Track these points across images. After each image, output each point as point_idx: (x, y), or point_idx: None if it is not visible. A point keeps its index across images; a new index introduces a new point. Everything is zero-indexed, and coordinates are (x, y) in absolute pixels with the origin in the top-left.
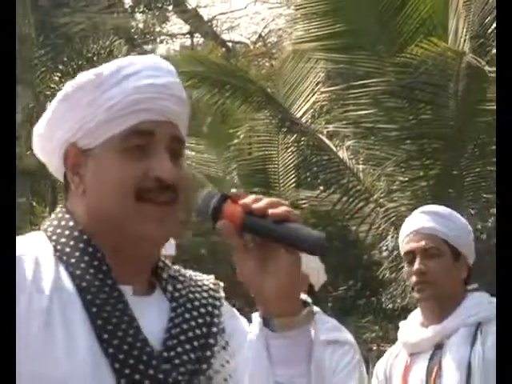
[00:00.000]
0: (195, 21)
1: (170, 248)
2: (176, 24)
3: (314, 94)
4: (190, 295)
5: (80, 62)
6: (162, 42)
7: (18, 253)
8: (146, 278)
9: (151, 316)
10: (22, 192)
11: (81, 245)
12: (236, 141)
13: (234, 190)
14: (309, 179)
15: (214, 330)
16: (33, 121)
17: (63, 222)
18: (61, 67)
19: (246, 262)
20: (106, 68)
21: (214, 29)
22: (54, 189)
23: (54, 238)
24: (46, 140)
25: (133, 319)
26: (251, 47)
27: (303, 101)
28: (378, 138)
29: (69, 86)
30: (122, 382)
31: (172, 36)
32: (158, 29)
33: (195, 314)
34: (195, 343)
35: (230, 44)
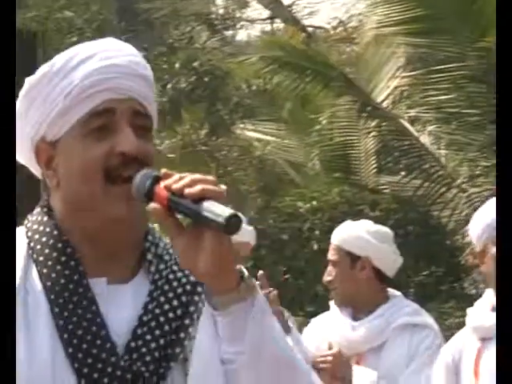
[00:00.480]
0: (275, 6)
1: (247, 235)
2: (256, 9)
3: (395, 79)
4: (171, 275)
5: (161, 49)
6: (242, 27)
7: None
8: (127, 263)
9: (125, 304)
10: None
11: (51, 241)
12: (317, 126)
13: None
14: (390, 164)
15: (192, 309)
16: None
17: (39, 217)
18: (141, 53)
19: (178, 242)
20: (60, 57)
21: (295, 14)
22: None
23: (29, 234)
24: (20, 141)
25: (96, 315)
26: (332, 32)
27: (384, 86)
28: (460, 123)
29: (26, 82)
30: (82, 382)
31: (252, 21)
32: (238, 14)
33: (171, 295)
34: (166, 327)
35: (310, 29)
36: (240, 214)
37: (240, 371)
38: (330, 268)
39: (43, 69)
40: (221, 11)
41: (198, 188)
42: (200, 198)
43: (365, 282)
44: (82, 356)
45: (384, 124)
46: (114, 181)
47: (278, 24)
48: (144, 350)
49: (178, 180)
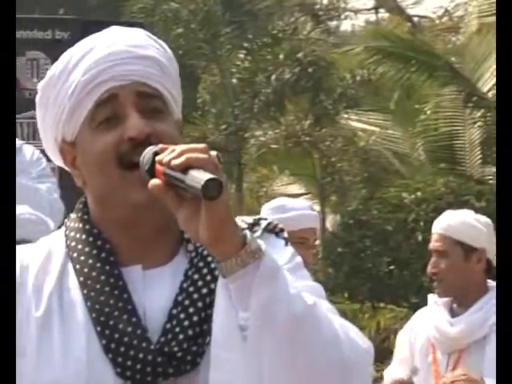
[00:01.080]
0: None
1: (312, 220)
2: None
3: None
4: (205, 251)
5: (265, 39)
6: (346, 17)
7: (26, 257)
8: (164, 246)
9: (164, 287)
10: None
11: (83, 236)
12: (422, 116)
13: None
14: (495, 155)
15: None
16: (218, 97)
17: (76, 215)
18: (246, 45)
19: (180, 214)
20: (63, 57)
21: (400, 3)
22: (240, 164)
23: (67, 232)
24: (46, 147)
25: (127, 303)
26: (437, 22)
27: (490, 76)
28: None
29: (38, 88)
30: (117, 371)
31: (357, 11)
32: (342, 4)
33: (205, 271)
34: (200, 304)
35: (415, 19)
36: (220, 178)
37: (252, 336)
38: (434, 259)
39: (49, 72)
40: (325, 1)
41: (182, 158)
42: (187, 168)
43: (478, 274)
44: (115, 346)
45: (489, 114)
46: (127, 167)
47: (383, 14)
48: (177, 329)
49: (169, 153)
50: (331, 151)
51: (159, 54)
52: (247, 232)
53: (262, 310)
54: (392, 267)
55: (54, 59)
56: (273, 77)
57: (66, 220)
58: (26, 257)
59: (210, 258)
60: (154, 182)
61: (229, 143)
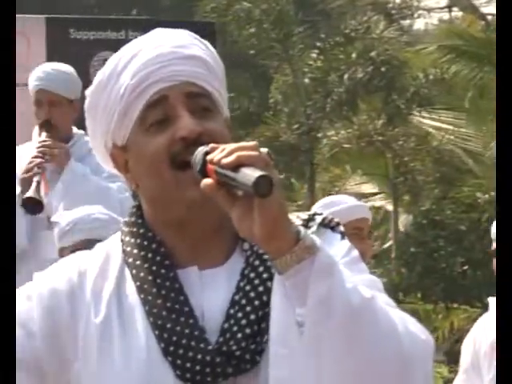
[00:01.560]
0: None
1: (365, 210)
2: None
3: None
4: (261, 250)
5: (338, 39)
6: (419, 16)
7: (84, 263)
8: (220, 246)
9: (220, 287)
10: (280, 168)
11: (138, 240)
12: None
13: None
14: None
15: None
16: (290, 97)
17: (131, 219)
18: (318, 44)
19: (233, 213)
20: (109, 62)
21: (473, 2)
22: (312, 164)
23: (122, 237)
24: (97, 153)
25: (184, 305)
26: None
27: None
28: None
29: (86, 95)
30: (178, 373)
31: (430, 10)
32: (415, 3)
33: (261, 269)
34: (256, 302)
35: (489, 17)
36: (272, 175)
37: (310, 331)
38: None
39: (97, 77)
40: (398, 0)
41: (233, 156)
42: (238, 166)
43: None
44: (174, 348)
45: None
46: (180, 167)
47: (456, 12)
48: (235, 328)
49: (220, 152)
50: (404, 150)
51: (204, 53)
52: (301, 228)
53: (319, 305)
54: (466, 267)
55: None
56: (345, 76)
57: (121, 225)
58: (83, 263)
59: (265, 257)
60: (206, 181)
61: (301, 143)
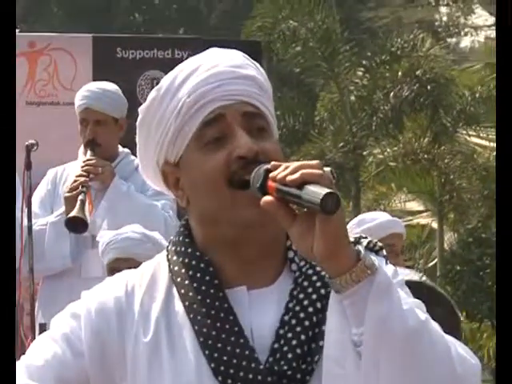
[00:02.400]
0: None
1: (399, 226)
2: (481, 16)
3: None
4: (310, 271)
5: (384, 57)
6: (466, 34)
7: (130, 283)
8: (269, 266)
9: (269, 307)
10: None
11: (186, 259)
12: None
13: None
14: None
15: None
16: (336, 114)
17: (178, 238)
18: (364, 62)
19: (293, 230)
20: (165, 79)
21: None
22: (358, 182)
23: (169, 256)
24: (145, 172)
25: (234, 324)
26: None
27: None
28: None
29: (140, 111)
30: None
31: (477, 28)
32: (462, 21)
33: (310, 290)
34: (307, 323)
35: None
36: (337, 192)
37: (368, 351)
38: None
39: (151, 94)
40: (445, 18)
41: (298, 174)
42: (302, 183)
43: None
44: (224, 368)
45: None
46: (238, 186)
47: None
48: (286, 348)
49: (283, 170)
50: (450, 168)
51: (258, 73)
52: (360, 247)
53: (378, 325)
54: None
55: None
56: (391, 94)
57: (167, 244)
58: (130, 282)
59: (314, 278)
60: (267, 198)
61: (347, 161)
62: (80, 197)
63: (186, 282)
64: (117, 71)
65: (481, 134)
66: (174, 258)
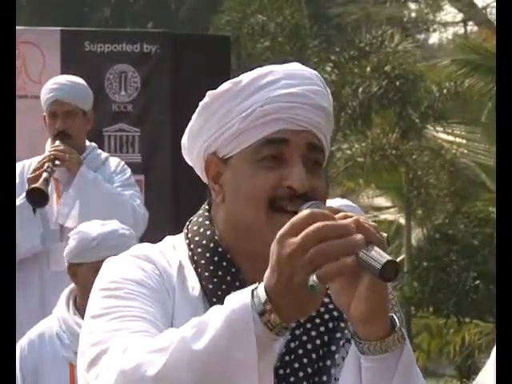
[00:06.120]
0: (469, 9)
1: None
2: (449, 12)
3: None
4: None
5: (352, 53)
6: (434, 30)
7: (149, 264)
8: None
9: None
10: None
11: (215, 258)
12: None
13: None
14: None
15: (338, 335)
16: None
17: (202, 230)
18: (333, 58)
19: (335, 285)
20: (245, 77)
21: (489, 16)
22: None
23: (191, 246)
24: (188, 152)
25: None
26: None
27: None
28: None
29: (208, 95)
30: None
31: (445, 25)
32: (431, 17)
33: (318, 321)
34: (313, 355)
35: None
36: (397, 261)
37: None
38: None
39: (226, 85)
40: (413, 14)
41: (356, 237)
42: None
43: None
44: None
45: None
46: (277, 210)
47: (472, 27)
48: (292, 379)
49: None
50: (418, 164)
51: (328, 104)
52: (394, 316)
53: None
54: (478, 282)
55: (142, 72)
56: (360, 90)
57: (187, 223)
58: (159, 265)
59: (322, 309)
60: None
61: None
62: (44, 175)
63: (211, 267)
64: (85, 65)
65: (448, 130)
66: (199, 250)
